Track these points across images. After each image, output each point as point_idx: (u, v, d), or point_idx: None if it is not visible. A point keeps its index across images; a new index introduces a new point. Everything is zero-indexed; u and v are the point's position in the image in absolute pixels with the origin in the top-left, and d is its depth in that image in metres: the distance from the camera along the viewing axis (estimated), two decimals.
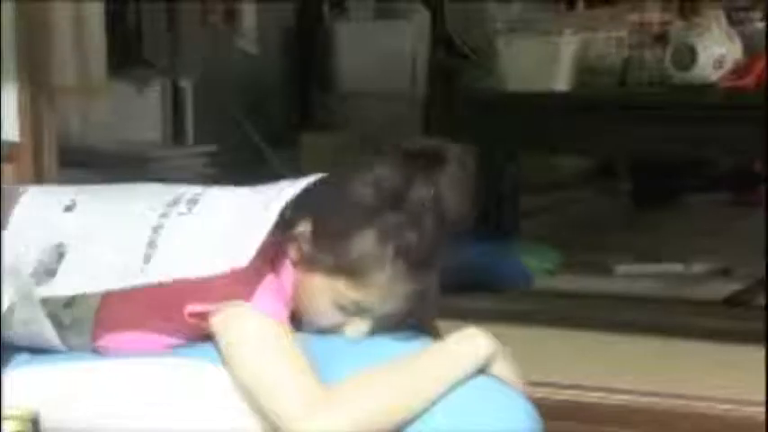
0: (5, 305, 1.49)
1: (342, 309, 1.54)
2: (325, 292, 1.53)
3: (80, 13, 3.32)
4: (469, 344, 1.50)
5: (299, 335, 1.52)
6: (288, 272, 1.55)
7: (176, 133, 4.32)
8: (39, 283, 1.50)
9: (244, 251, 1.45)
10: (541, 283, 3.66)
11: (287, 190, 1.53)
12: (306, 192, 1.54)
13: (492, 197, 4.02)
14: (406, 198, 1.52)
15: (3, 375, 1.52)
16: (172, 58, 4.34)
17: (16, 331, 1.53)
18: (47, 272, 1.51)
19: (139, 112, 4.17)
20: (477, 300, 3.10)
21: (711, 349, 2.81)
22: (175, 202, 1.53)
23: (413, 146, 1.58)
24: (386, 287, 1.52)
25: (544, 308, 3.28)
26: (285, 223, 1.54)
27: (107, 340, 1.54)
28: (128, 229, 1.51)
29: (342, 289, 1.52)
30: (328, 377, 1.46)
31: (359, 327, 1.55)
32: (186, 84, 4.37)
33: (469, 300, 3.02)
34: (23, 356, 1.55)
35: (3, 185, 1.69)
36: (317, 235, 1.53)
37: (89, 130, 3.63)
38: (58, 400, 1.50)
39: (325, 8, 5.25)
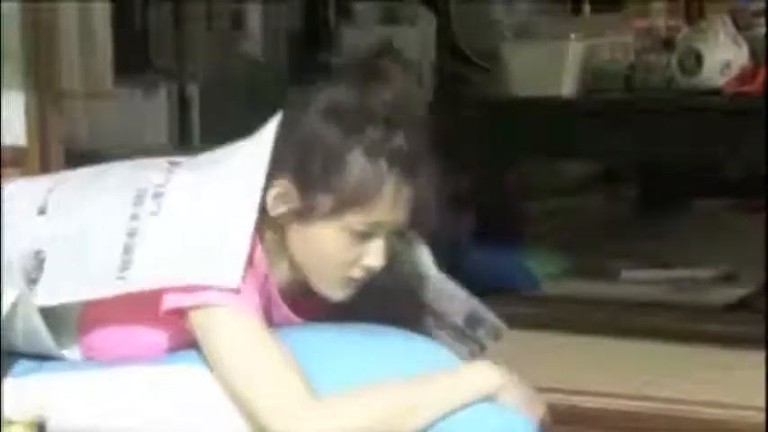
0: (5, 309, 1.49)
1: (356, 237, 1.52)
2: (334, 232, 1.52)
3: (87, 18, 3.33)
4: (474, 375, 1.50)
5: (294, 331, 1.51)
6: (257, 249, 1.53)
7: (182, 137, 4.32)
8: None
9: (232, 270, 1.45)
10: (547, 288, 3.65)
11: (253, 178, 1.50)
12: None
13: (497, 202, 4.02)
14: (369, 108, 1.51)
15: (8, 383, 1.52)
16: (178, 62, 4.35)
17: (17, 337, 1.53)
18: (29, 281, 1.52)
19: (146, 116, 4.17)
20: (483, 304, 3.09)
21: (717, 354, 2.81)
22: (141, 199, 1.52)
23: (347, 65, 1.59)
24: (391, 198, 1.51)
25: (549, 313, 3.28)
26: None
27: (92, 338, 1.54)
28: (101, 234, 1.51)
29: (351, 220, 1.51)
30: (317, 372, 1.46)
31: (377, 252, 1.53)
32: (193, 88, 4.36)
33: None
34: (29, 364, 1.55)
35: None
36: (302, 186, 1.51)
37: (95, 134, 3.63)
38: (63, 408, 1.50)
39: (332, 13, 5.25)
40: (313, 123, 1.51)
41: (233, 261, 1.46)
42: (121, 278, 1.47)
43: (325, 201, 1.50)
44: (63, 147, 2.60)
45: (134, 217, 1.50)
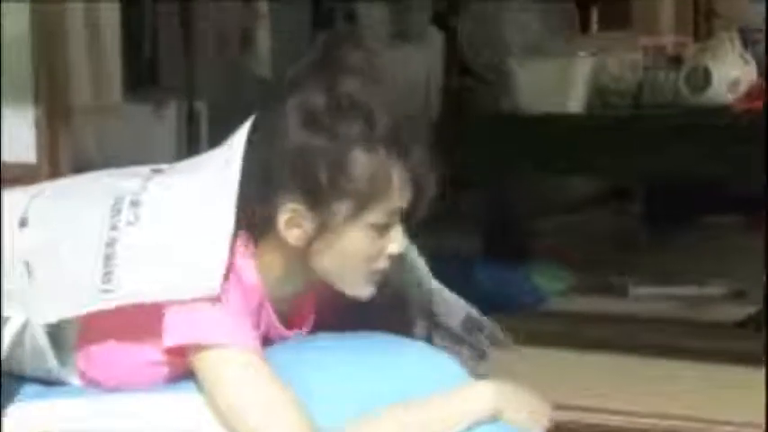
0: (16, 329, 1.49)
1: (377, 230, 1.52)
2: (358, 233, 1.51)
3: (96, 35, 3.34)
4: (471, 399, 1.50)
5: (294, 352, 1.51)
6: (252, 276, 1.53)
7: (191, 153, 4.32)
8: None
9: (212, 277, 1.44)
10: (554, 304, 3.65)
11: (227, 185, 1.49)
12: (257, 182, 1.50)
13: (505, 218, 4.02)
14: (347, 103, 1.49)
15: (14, 407, 1.52)
16: (187, 79, 4.36)
17: (24, 359, 1.53)
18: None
19: (154, 132, 4.18)
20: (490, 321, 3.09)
21: (725, 372, 2.80)
22: (118, 209, 1.51)
23: (303, 67, 1.56)
24: (399, 182, 1.51)
25: (558, 329, 3.27)
26: (254, 224, 1.52)
27: (88, 356, 1.54)
28: (81, 245, 1.50)
29: (371, 216, 1.50)
30: (317, 399, 1.46)
31: (397, 238, 1.54)
32: (201, 105, 4.38)
33: None
34: (35, 388, 1.55)
35: None
36: (313, 202, 1.50)
37: (104, 150, 3.64)
38: None
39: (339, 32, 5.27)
40: (299, 138, 1.49)
41: (212, 271, 1.45)
42: (104, 291, 1.46)
43: (341, 208, 1.49)
44: (72, 163, 2.61)
45: (112, 227, 1.50)
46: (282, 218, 1.50)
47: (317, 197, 1.49)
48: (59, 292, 1.50)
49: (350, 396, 1.48)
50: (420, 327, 1.73)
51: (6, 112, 2.47)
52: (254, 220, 1.52)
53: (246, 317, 1.48)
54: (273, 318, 1.56)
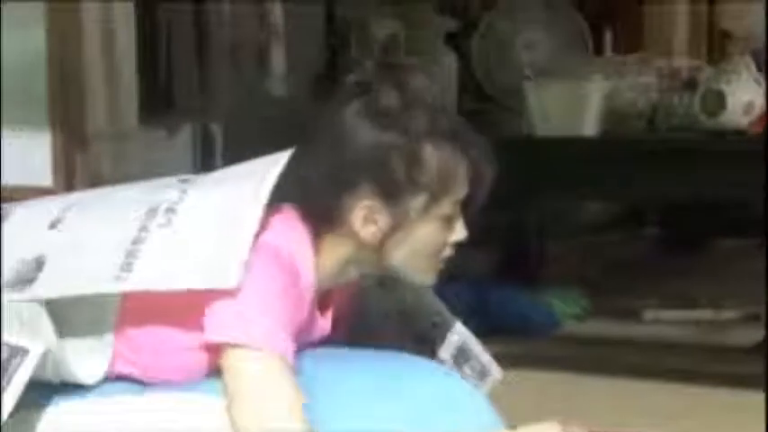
0: (36, 360, 1.49)
1: (445, 220, 1.57)
2: (430, 224, 1.56)
3: (112, 58, 3.36)
4: None
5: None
6: (308, 269, 1.54)
7: None
8: (15, 290, 1.49)
9: (228, 270, 1.45)
10: (570, 328, 3.65)
11: (261, 192, 1.52)
12: (334, 183, 1.54)
13: (520, 242, 4.02)
14: (413, 101, 1.55)
15: (45, 413, 1.53)
16: (202, 101, 4.38)
17: (47, 375, 1.53)
18: (24, 281, 1.50)
19: (170, 155, 4.20)
20: (505, 345, 3.09)
21: (742, 396, 2.79)
22: (153, 213, 1.53)
23: (366, 73, 1.62)
24: (463, 174, 1.57)
25: (572, 353, 3.27)
26: (326, 221, 1.55)
27: (131, 347, 1.54)
28: (105, 240, 1.52)
29: (441, 208, 1.56)
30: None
31: (460, 228, 1.59)
32: (216, 127, 4.39)
33: (497, 345, 3.01)
34: (61, 394, 1.55)
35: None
36: (389, 197, 1.53)
37: (120, 174, 3.65)
38: None
39: (355, 52, 5.29)
40: (371, 136, 1.53)
41: (230, 265, 1.46)
42: (120, 278, 1.47)
43: (417, 201, 1.54)
44: (88, 187, 2.62)
45: (143, 228, 1.51)
46: (358, 215, 1.54)
47: (393, 192, 1.53)
48: (71, 274, 1.50)
49: (365, 417, 1.49)
50: (415, 350, 1.73)
51: (23, 136, 2.49)
52: (323, 219, 1.55)
53: (289, 319, 1.49)
54: (315, 310, 1.59)
